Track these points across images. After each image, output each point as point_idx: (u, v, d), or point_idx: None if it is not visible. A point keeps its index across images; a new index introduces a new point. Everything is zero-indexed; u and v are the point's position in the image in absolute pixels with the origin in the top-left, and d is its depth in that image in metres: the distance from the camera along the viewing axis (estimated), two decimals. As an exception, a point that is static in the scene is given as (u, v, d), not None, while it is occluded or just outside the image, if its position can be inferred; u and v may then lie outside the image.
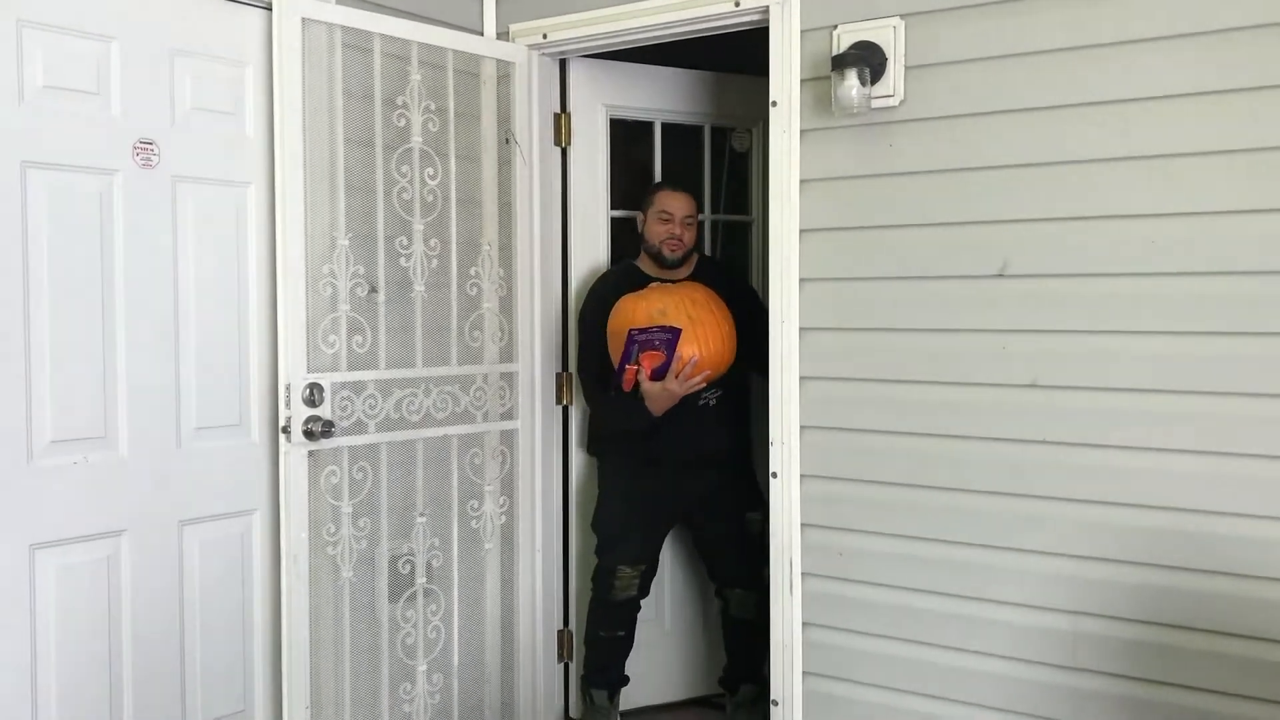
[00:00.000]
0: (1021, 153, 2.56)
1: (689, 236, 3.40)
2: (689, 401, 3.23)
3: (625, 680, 3.59)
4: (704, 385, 3.16)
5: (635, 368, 3.10)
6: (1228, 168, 2.34)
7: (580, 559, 3.65)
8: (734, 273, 3.74)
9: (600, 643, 3.51)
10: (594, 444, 3.59)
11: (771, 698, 2.94)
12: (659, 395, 3.13)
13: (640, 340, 3.08)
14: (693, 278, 3.42)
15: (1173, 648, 2.43)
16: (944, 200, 2.67)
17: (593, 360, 3.40)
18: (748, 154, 3.94)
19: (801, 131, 2.85)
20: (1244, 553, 2.35)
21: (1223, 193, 2.34)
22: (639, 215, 3.48)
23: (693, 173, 3.83)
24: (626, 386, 3.15)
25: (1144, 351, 2.44)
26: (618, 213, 3.72)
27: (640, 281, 3.38)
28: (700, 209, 3.67)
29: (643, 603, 3.52)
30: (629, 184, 3.79)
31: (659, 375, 3.10)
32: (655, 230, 3.39)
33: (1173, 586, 2.43)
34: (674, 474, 3.40)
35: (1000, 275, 2.60)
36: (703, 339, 3.12)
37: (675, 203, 3.39)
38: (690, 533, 3.62)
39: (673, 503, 3.46)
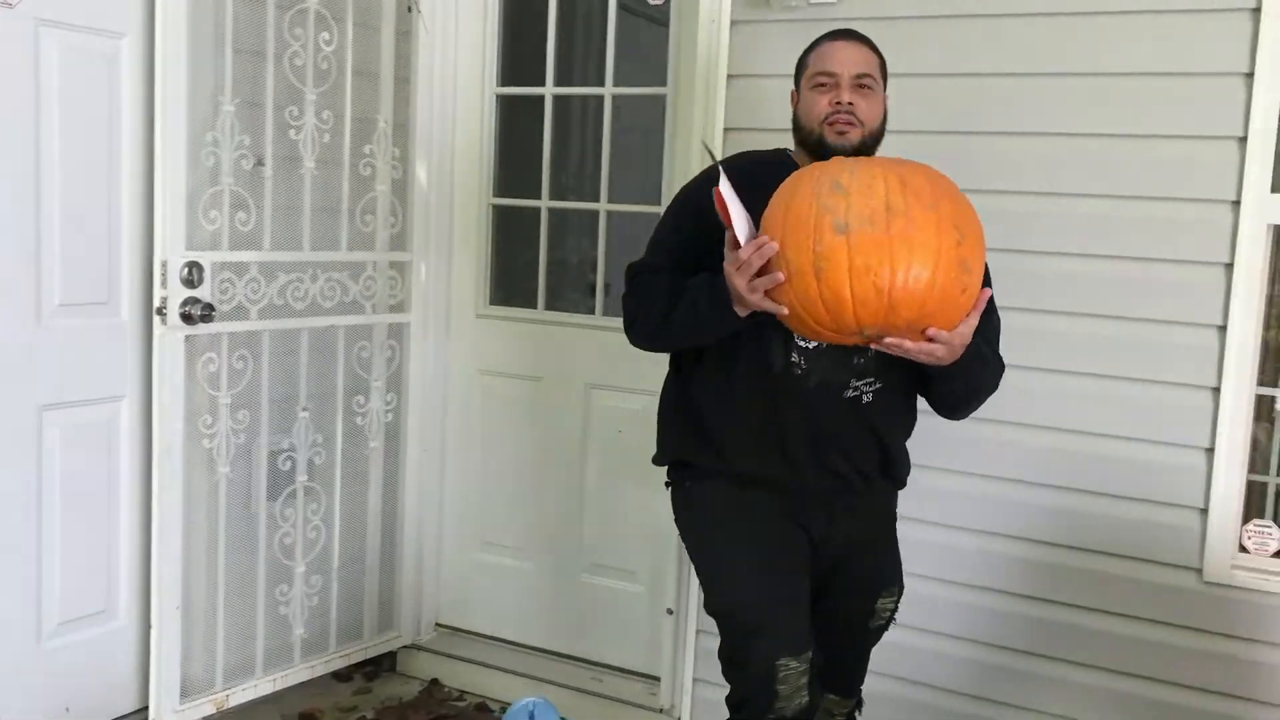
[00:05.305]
0: (960, 62, 2.48)
1: (868, 110, 2.00)
2: (831, 390, 2.01)
3: None
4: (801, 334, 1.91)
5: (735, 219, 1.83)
6: None
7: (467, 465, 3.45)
8: None
9: None
10: (674, 450, 2.20)
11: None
12: (731, 274, 1.84)
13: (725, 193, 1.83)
14: None
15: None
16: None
17: (661, 251, 2.13)
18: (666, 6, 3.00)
19: (732, 23, 2.70)
20: None
21: None
22: (791, 93, 2.13)
23: (594, 37, 3.15)
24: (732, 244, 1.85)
25: None
26: (508, 90, 3.30)
27: (780, 178, 1.88)
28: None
29: None
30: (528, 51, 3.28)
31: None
32: (811, 106, 2.01)
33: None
34: (808, 497, 2.10)
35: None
36: (904, 245, 1.69)
37: (841, 56, 2.01)
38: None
39: (810, 540, 2.12)
